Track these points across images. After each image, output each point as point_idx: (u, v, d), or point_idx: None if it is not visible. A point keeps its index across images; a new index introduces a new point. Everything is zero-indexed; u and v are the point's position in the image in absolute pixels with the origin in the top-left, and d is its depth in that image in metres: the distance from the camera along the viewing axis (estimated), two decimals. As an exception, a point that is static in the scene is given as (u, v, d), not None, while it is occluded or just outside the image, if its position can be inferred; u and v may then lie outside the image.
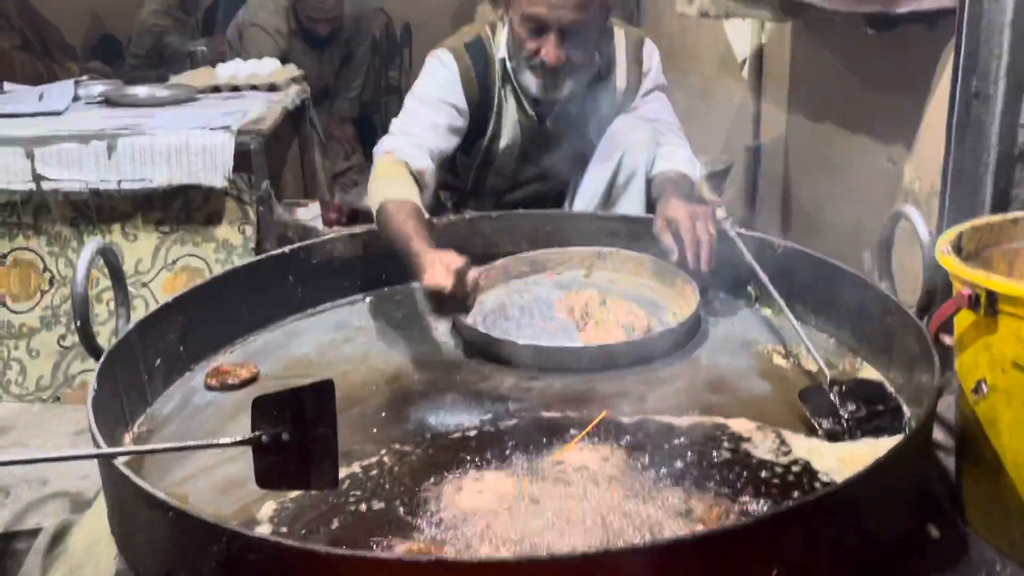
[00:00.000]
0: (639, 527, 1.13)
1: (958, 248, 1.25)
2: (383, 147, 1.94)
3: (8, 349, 2.19)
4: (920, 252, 1.44)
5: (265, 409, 1.07)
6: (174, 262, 2.23)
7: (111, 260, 1.47)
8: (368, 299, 1.98)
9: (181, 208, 2.22)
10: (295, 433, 1.05)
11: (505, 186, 2.20)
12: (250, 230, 2.23)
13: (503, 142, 2.12)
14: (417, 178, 1.88)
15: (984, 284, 1.12)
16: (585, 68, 1.98)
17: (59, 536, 1.45)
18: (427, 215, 1.79)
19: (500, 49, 2.04)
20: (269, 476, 1.06)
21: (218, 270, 2.22)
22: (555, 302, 1.86)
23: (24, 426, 2.04)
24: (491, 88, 2.06)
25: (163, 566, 1.05)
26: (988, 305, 1.11)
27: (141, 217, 2.21)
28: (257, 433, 1.05)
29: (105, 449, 1.14)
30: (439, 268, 1.51)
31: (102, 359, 1.37)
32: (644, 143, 2.09)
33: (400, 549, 1.05)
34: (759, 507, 1.17)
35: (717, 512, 1.17)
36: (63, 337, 2.18)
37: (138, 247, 2.22)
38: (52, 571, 1.35)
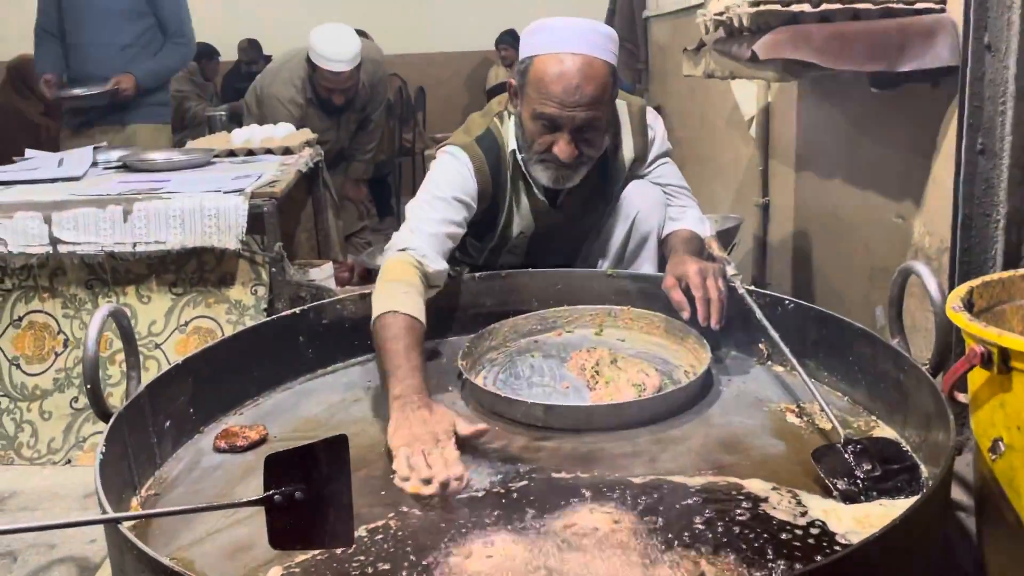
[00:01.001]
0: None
1: (969, 304, 1.24)
2: (399, 242, 1.87)
3: (21, 411, 2.20)
4: (931, 308, 1.43)
5: (278, 467, 1.06)
6: (187, 323, 2.24)
7: (123, 323, 1.49)
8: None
9: (195, 270, 2.24)
10: (309, 491, 1.04)
11: (518, 263, 2.20)
12: (262, 290, 2.24)
13: (516, 228, 2.13)
14: (428, 280, 1.83)
15: (997, 341, 1.11)
16: (596, 156, 1.97)
17: (64, 602, 1.44)
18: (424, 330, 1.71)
19: (510, 140, 2.02)
20: (283, 536, 1.04)
21: (230, 331, 2.23)
22: (566, 361, 1.86)
23: (33, 490, 2.03)
24: (503, 179, 2.04)
25: (166, 635, 1.03)
26: (1001, 362, 1.10)
27: (155, 279, 2.23)
28: (270, 492, 1.03)
29: (111, 514, 1.13)
30: (415, 457, 1.41)
31: (111, 422, 1.37)
32: (655, 206, 2.11)
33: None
34: (774, 571, 1.14)
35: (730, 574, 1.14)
36: (75, 399, 2.19)
37: (151, 309, 2.24)
38: (56, 640, 1.33)
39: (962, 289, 1.27)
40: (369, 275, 3.52)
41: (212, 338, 2.21)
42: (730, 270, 1.86)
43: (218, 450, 1.59)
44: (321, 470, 1.04)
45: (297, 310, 1.89)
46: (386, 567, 1.20)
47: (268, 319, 1.88)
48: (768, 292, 1.84)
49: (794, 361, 1.60)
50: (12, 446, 2.19)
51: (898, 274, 1.51)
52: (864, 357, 1.60)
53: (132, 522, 1.35)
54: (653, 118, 2.16)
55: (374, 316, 1.71)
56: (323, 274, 3.26)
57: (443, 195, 1.94)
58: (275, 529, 1.03)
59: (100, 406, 1.40)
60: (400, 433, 1.47)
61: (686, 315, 1.81)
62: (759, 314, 1.73)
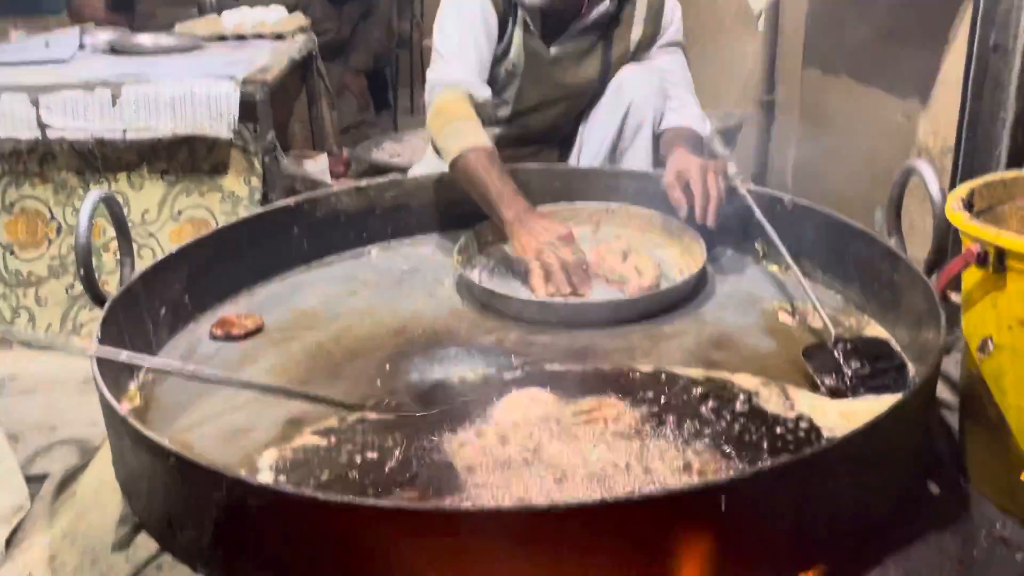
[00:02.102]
0: (634, 481, 1.13)
1: (969, 204, 1.23)
2: (442, 76, 1.88)
3: (17, 297, 2.20)
4: (931, 209, 1.41)
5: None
6: (180, 213, 2.23)
7: (115, 209, 1.47)
8: (374, 252, 1.98)
9: (187, 158, 2.21)
10: None
11: (504, 114, 2.14)
12: (256, 181, 2.22)
13: (509, 62, 2.05)
14: (479, 111, 1.86)
15: (993, 240, 1.10)
16: None
17: (66, 482, 1.47)
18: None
19: None
20: None
21: (224, 222, 2.21)
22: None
23: (33, 375, 2.05)
24: (506, 6, 2.00)
25: (165, 512, 1.06)
26: (997, 262, 1.10)
27: (147, 167, 2.20)
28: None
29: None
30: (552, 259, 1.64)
31: (106, 307, 1.38)
32: (652, 94, 2.05)
33: (404, 497, 1.06)
34: (758, 463, 1.17)
35: (715, 467, 1.17)
36: (71, 286, 2.19)
37: (144, 197, 2.22)
38: (59, 516, 1.37)
39: (963, 189, 1.26)
40: (367, 169, 3.48)
41: (206, 228, 2.20)
42: (731, 168, 1.83)
43: (214, 338, 1.60)
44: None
45: (291, 201, 1.88)
46: (373, 456, 1.22)
47: (262, 210, 1.86)
48: (767, 191, 1.82)
49: (789, 259, 1.60)
50: (10, 332, 2.20)
51: (900, 173, 1.49)
52: (860, 257, 1.60)
53: (131, 406, 1.38)
54: (672, 5, 2.09)
55: (453, 156, 1.78)
56: (318, 167, 3.21)
57: (470, 19, 1.94)
58: None
59: (94, 290, 1.40)
60: (532, 243, 1.66)
61: (683, 214, 1.80)
62: (758, 213, 1.71)
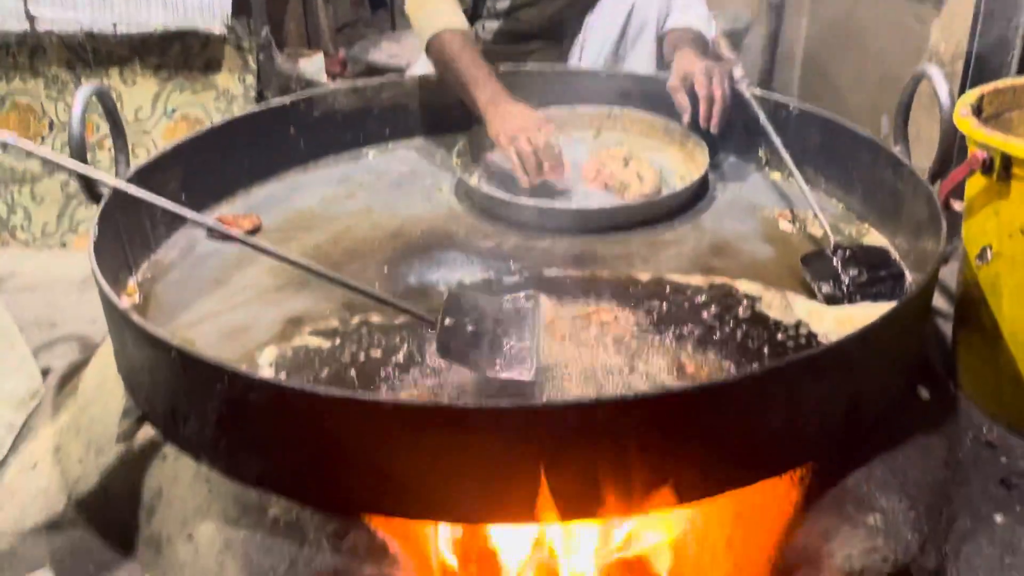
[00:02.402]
0: (628, 381, 1.15)
1: (978, 110, 1.21)
2: None
3: (12, 194, 2.18)
4: (939, 116, 1.39)
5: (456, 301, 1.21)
6: (174, 110, 2.18)
7: (108, 103, 1.44)
8: (371, 153, 1.95)
9: (180, 54, 2.15)
10: (479, 328, 1.16)
11: (502, 6, 2.07)
12: (250, 79, 2.17)
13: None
14: None
15: (1000, 147, 1.09)
16: None
17: (68, 377, 1.49)
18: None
19: None
20: (447, 349, 1.13)
21: (218, 120, 2.17)
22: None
23: (31, 272, 2.06)
24: None
25: (168, 404, 1.08)
26: (1002, 169, 1.09)
27: (139, 62, 2.15)
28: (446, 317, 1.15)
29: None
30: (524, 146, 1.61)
31: (102, 204, 1.36)
32: None
33: (402, 396, 1.08)
34: (750, 365, 1.18)
35: (708, 371, 1.19)
36: (66, 183, 2.17)
37: (137, 93, 2.17)
38: (62, 410, 1.39)
39: (972, 94, 1.23)
40: (363, 70, 3.40)
41: (201, 126, 2.16)
42: (737, 72, 1.79)
43: (212, 237, 1.60)
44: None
45: (287, 100, 1.84)
46: (378, 355, 1.23)
47: (257, 108, 1.83)
48: (773, 96, 1.79)
49: (791, 165, 1.58)
50: (6, 228, 2.19)
51: (911, 78, 1.46)
52: (864, 164, 1.58)
53: (130, 303, 1.38)
54: None
55: (428, 37, 1.77)
56: (313, 66, 3.13)
57: None
58: (443, 343, 1.12)
59: (89, 187, 1.38)
60: (505, 127, 1.64)
61: (687, 119, 1.76)
62: (763, 118, 1.68)
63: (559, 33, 2.13)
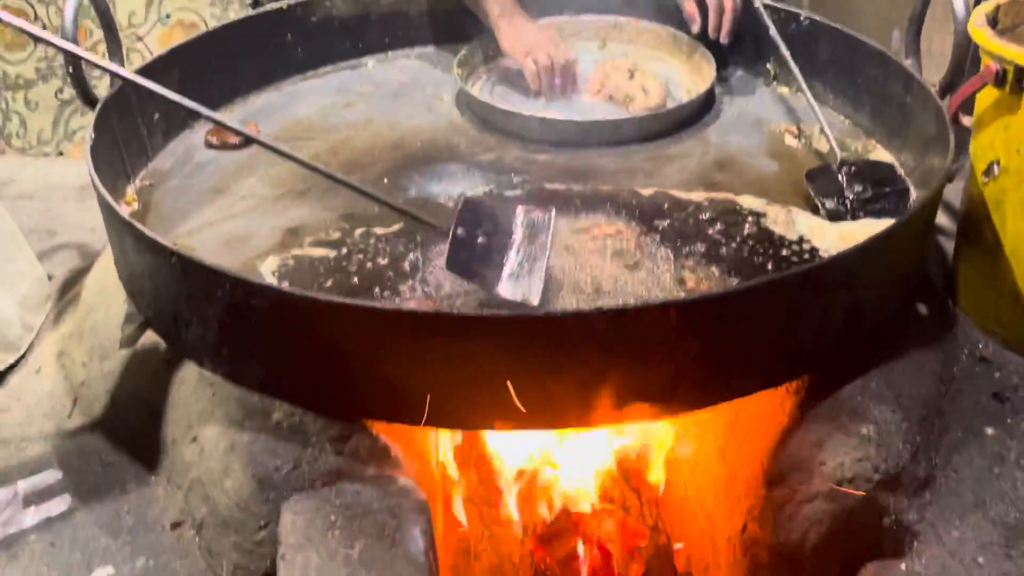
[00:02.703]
0: (627, 296, 1.15)
1: (994, 21, 1.18)
2: None
3: (6, 101, 2.15)
4: (953, 29, 1.35)
5: (473, 210, 1.17)
6: (168, 16, 2.13)
7: (100, 6, 1.40)
8: (371, 63, 1.91)
9: (174, -44, 2.09)
10: (490, 238, 1.15)
11: None
12: (247, -17, 2.11)
13: None
14: None
15: (1015, 58, 1.07)
16: None
17: (69, 283, 1.49)
18: None
19: None
20: (458, 263, 1.11)
21: (214, 26, 2.12)
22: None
23: (29, 179, 2.04)
24: None
25: (170, 311, 1.08)
26: (1015, 82, 1.06)
27: (134, -35, 2.08)
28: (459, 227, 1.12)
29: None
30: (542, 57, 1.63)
31: (98, 108, 1.34)
32: None
33: (410, 304, 1.07)
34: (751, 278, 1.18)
35: (708, 285, 1.19)
36: (60, 90, 2.13)
37: (130, -2, 2.12)
38: (64, 317, 1.40)
39: (988, 5, 1.20)
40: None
41: (196, 32, 2.11)
42: (747, -19, 1.74)
43: (210, 146, 1.58)
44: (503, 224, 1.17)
45: (283, 5, 1.79)
46: (384, 262, 1.23)
47: (253, 13, 1.78)
48: (783, 7, 1.74)
49: (800, 78, 1.55)
50: (1, 136, 2.16)
51: (925, -10, 1.41)
52: (873, 78, 1.55)
53: (129, 211, 1.37)
54: None
55: None
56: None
57: None
58: (453, 256, 1.10)
59: (85, 92, 1.35)
60: (516, 46, 1.66)
61: (695, 28, 1.73)
62: (773, 30, 1.64)
63: None
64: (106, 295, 1.30)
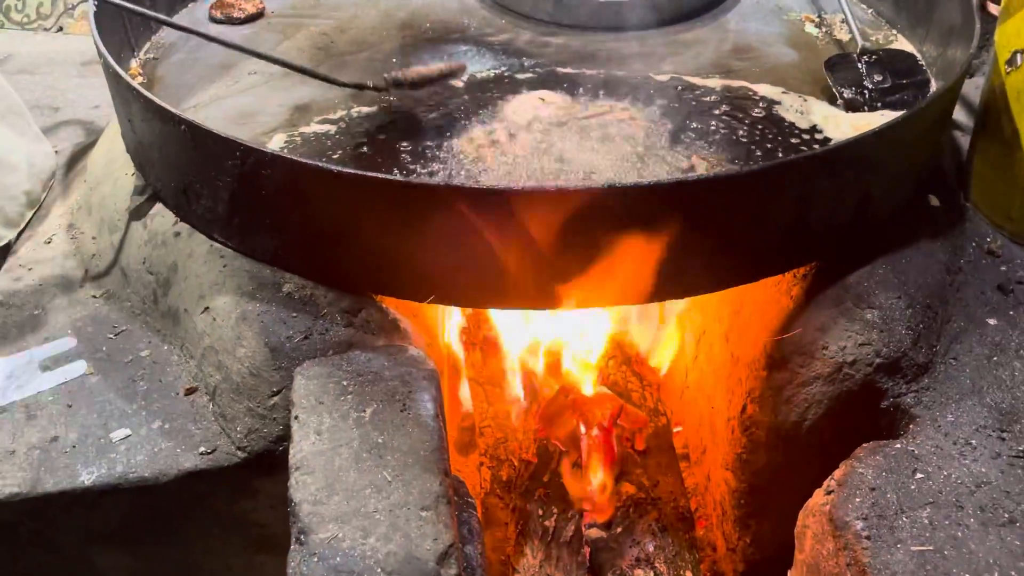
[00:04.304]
0: (636, 174, 1.14)
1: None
2: None
3: (3, -27, 2.09)
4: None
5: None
6: None
7: None
8: (379, -63, 1.84)
9: None
10: None
11: None
12: None
13: None
14: None
15: (1051, -60, 1.03)
16: None
17: (75, 158, 1.48)
18: None
19: None
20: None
21: None
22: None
23: (29, 54, 2.00)
24: None
25: (180, 182, 1.07)
26: (1049, -35, 1.03)
27: None
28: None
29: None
30: None
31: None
32: None
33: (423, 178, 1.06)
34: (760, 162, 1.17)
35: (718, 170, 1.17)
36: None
37: None
38: (71, 190, 1.40)
39: None
40: None
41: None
42: None
43: (214, 20, 1.54)
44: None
45: None
46: (390, 137, 1.22)
47: None
48: None
49: (825, -36, 1.50)
50: (0, 9, 2.11)
51: None
52: (899, -35, 1.50)
53: (139, 79, 1.34)
54: None
55: None
56: None
57: None
58: None
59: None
60: None
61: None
62: (798, -89, 1.58)
63: None
64: (113, 168, 1.29)
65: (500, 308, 1.01)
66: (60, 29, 2.11)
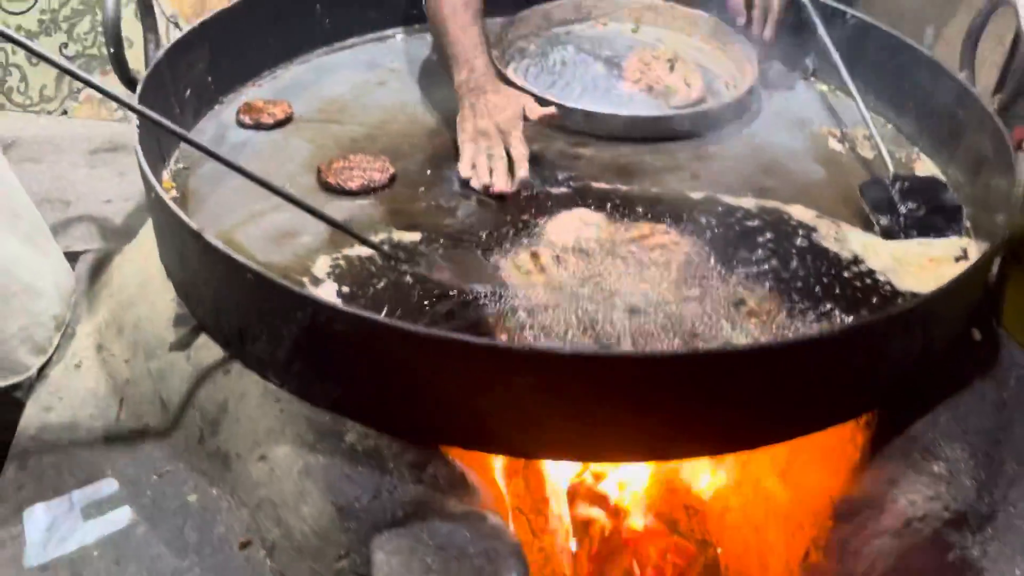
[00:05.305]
0: (694, 317, 1.14)
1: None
2: None
3: (7, 53, 2.04)
4: (1018, 51, 1.35)
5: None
6: (182, -29, 2.03)
7: (139, -21, 1.32)
8: (399, 36, 1.85)
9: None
10: None
11: None
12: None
13: None
14: None
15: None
16: None
17: (98, 266, 1.44)
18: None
19: None
20: None
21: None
22: (600, 58, 1.76)
23: (34, 139, 1.95)
24: None
25: (234, 324, 1.05)
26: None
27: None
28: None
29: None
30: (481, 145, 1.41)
31: (139, 90, 1.28)
32: None
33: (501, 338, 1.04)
34: (810, 304, 1.18)
35: (769, 306, 1.18)
36: (65, 45, 2.03)
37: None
38: (98, 305, 1.35)
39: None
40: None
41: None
42: (794, -26, 1.70)
43: (242, 125, 1.52)
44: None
45: (316, -27, 1.71)
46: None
47: (285, -20, 1.70)
48: (828, 2, 1.71)
49: (851, 86, 1.53)
50: (1, 90, 2.06)
51: (988, 3, 1.40)
52: (921, 86, 1.54)
53: (171, 192, 1.31)
54: None
55: None
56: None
57: None
58: None
59: (124, 72, 1.29)
60: (466, 127, 1.43)
61: (741, 21, 1.69)
62: (822, 30, 1.62)
63: None
64: (148, 290, 1.25)
65: (568, 460, 1.00)
66: (65, 112, 2.07)
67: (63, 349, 1.28)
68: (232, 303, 1.03)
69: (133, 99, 1.21)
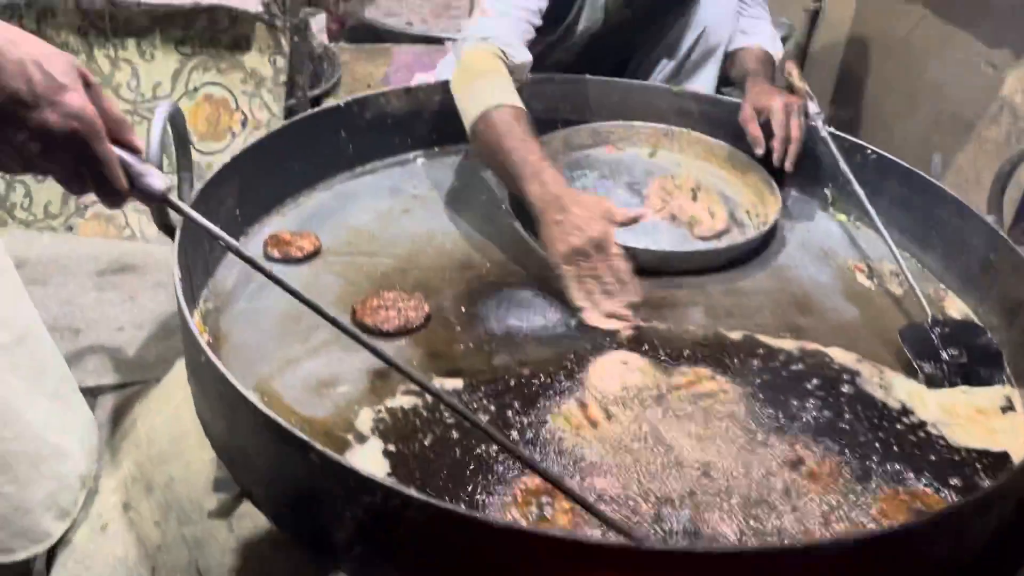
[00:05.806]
0: (753, 482, 1.11)
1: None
2: (476, 30, 1.64)
3: (11, 170, 2.00)
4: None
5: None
6: (196, 90, 2.02)
7: (178, 122, 1.30)
8: (420, 160, 1.85)
9: (205, 29, 1.98)
10: None
11: (570, 61, 1.99)
12: (282, 62, 2.01)
13: (583, 24, 1.91)
14: (513, 74, 1.61)
15: None
16: None
17: (119, 412, 1.38)
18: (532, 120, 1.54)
19: None
20: None
21: (245, 103, 2.03)
22: (623, 183, 1.78)
23: (39, 260, 1.89)
24: None
25: (288, 498, 0.99)
26: None
27: (159, 34, 1.96)
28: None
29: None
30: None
31: (178, 237, 1.24)
32: (727, 15, 1.93)
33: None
34: (871, 463, 1.16)
35: (829, 465, 1.16)
36: (72, 162, 1.99)
37: (155, 68, 1.99)
38: (122, 457, 1.29)
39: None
40: (360, 31, 3.23)
41: (226, 109, 2.01)
42: (812, 107, 1.75)
43: (270, 259, 1.49)
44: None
45: (341, 103, 1.71)
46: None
47: (313, 111, 1.70)
48: (847, 136, 1.75)
49: (879, 223, 1.56)
50: (4, 206, 2.01)
51: (1018, 153, 1.43)
52: (947, 224, 1.56)
53: (204, 335, 1.26)
54: None
55: (475, 116, 1.52)
56: (316, 26, 2.97)
57: None
58: None
59: (165, 220, 1.26)
60: (559, 248, 1.37)
61: (759, 151, 1.72)
62: (843, 163, 1.65)
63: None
64: (182, 445, 1.20)
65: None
66: (70, 229, 2.02)
67: (87, 507, 1.21)
68: (289, 479, 0.97)
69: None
